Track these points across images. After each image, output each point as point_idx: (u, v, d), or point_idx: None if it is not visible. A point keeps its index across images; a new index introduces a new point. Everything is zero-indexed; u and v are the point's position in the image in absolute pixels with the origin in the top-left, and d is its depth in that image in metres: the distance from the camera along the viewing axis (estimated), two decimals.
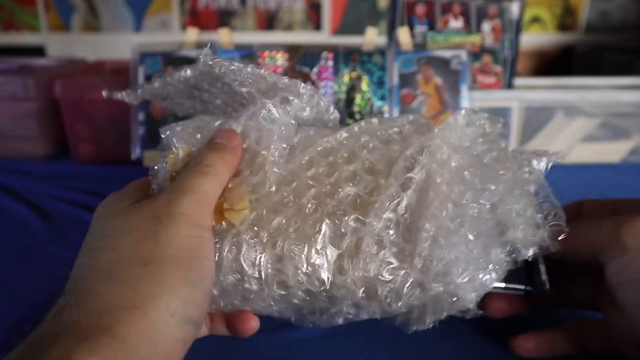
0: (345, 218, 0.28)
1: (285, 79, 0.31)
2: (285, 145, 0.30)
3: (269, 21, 1.06)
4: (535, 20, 1.07)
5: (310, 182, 0.30)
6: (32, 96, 0.65)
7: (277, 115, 0.30)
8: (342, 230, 0.28)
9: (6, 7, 1.04)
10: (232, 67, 0.30)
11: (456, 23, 0.69)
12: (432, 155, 0.29)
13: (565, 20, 1.07)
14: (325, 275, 0.27)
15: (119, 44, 1.04)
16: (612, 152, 0.68)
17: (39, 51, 1.06)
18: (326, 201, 0.28)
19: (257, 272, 0.27)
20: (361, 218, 0.28)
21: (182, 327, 0.23)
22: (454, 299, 0.28)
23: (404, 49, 0.62)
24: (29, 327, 0.33)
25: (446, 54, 0.61)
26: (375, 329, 0.33)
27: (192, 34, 0.62)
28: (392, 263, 0.27)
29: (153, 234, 0.24)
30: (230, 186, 0.29)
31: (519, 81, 0.71)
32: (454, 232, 0.27)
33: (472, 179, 0.29)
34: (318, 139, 0.32)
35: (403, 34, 0.63)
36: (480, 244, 0.28)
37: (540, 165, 0.31)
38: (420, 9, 0.68)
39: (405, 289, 0.27)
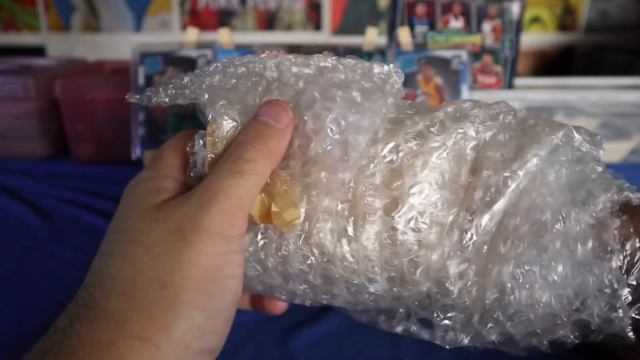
0: (405, 238, 0.25)
1: (385, 67, 0.27)
2: (358, 156, 0.25)
3: (269, 21, 1.06)
4: (536, 20, 1.07)
5: (370, 190, 0.26)
6: (32, 96, 0.65)
7: (358, 115, 0.25)
8: (401, 249, 0.25)
9: (6, 7, 1.04)
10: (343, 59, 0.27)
11: (456, 23, 0.69)
12: (517, 187, 0.25)
13: (565, 20, 1.07)
14: (377, 289, 0.25)
15: (119, 44, 1.05)
16: (612, 152, 0.67)
17: (39, 51, 1.06)
18: (386, 218, 0.25)
19: (303, 278, 0.26)
20: (424, 241, 0.25)
21: (197, 357, 0.22)
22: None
23: (404, 49, 0.62)
24: (30, 328, 0.33)
25: (446, 54, 0.61)
26: (376, 328, 0.33)
27: (192, 34, 0.62)
28: (459, 302, 0.25)
29: (175, 252, 0.22)
30: (278, 184, 0.25)
31: (519, 81, 0.71)
32: (530, 304, 0.25)
33: (570, 236, 0.25)
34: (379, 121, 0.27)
35: (403, 34, 0.63)
36: (549, 317, 0.25)
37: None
38: (420, 9, 0.68)
39: (462, 337, 0.26)
